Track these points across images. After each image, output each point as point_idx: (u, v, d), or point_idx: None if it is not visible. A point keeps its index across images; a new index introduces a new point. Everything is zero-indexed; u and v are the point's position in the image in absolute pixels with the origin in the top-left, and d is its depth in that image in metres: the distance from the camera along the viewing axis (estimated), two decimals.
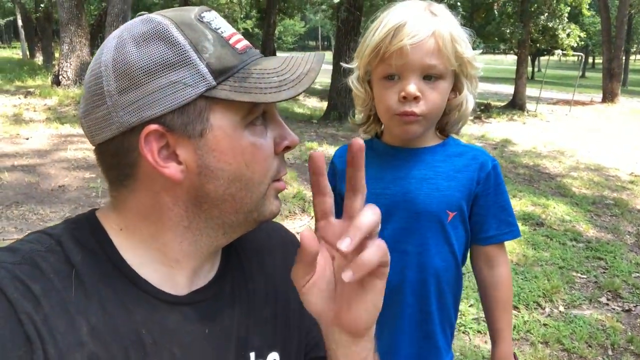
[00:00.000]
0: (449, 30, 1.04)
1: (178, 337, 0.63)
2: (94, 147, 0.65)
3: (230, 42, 0.62)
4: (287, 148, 0.67)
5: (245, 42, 0.64)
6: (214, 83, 0.58)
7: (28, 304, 0.54)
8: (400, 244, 1.15)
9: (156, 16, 0.61)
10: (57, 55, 11.90)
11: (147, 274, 0.64)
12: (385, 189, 1.16)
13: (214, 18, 0.63)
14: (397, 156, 1.17)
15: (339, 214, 1.34)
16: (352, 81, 1.20)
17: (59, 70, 10.15)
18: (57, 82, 10.07)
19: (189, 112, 0.58)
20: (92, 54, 10.65)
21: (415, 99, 1.05)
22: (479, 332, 2.96)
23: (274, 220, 0.76)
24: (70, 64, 9.98)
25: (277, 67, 0.62)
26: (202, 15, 0.62)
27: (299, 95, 0.62)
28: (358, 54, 1.14)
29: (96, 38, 14.39)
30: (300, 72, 0.62)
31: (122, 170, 0.62)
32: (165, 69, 0.57)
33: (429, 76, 1.05)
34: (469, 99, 1.13)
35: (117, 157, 0.61)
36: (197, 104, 0.58)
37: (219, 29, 0.62)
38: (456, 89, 1.12)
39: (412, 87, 1.04)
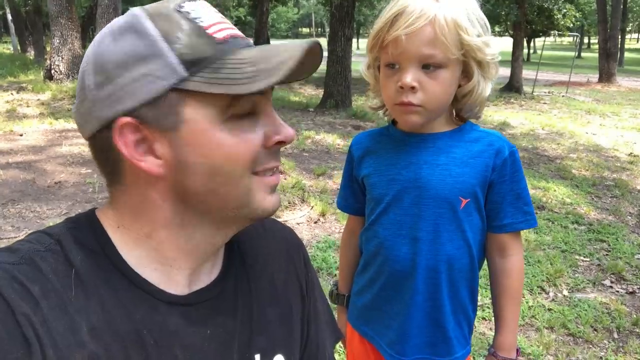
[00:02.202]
0: (452, 16, 1.00)
1: (179, 338, 0.63)
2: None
3: (209, 31, 0.58)
4: (281, 143, 0.63)
5: (229, 32, 0.60)
6: (185, 75, 0.56)
7: (26, 305, 0.53)
8: (411, 230, 1.14)
9: (135, 9, 0.60)
10: (48, 49, 11.75)
11: (147, 274, 0.63)
12: (398, 174, 1.15)
13: (194, 8, 0.60)
14: (410, 142, 1.15)
15: (356, 201, 1.33)
16: (362, 67, 1.20)
17: (50, 65, 10.04)
18: (49, 76, 9.96)
19: (160, 104, 0.57)
20: (83, 46, 10.53)
21: (412, 89, 1.03)
22: (483, 318, 2.95)
23: (278, 219, 0.73)
24: (62, 58, 9.87)
25: (254, 56, 0.58)
26: (182, 5, 0.59)
27: (273, 85, 0.56)
28: (368, 41, 1.13)
29: (87, 30, 14.22)
30: (278, 61, 0.56)
31: (110, 165, 0.62)
32: (136, 61, 0.56)
33: (428, 65, 1.02)
34: (481, 85, 1.09)
35: (103, 153, 0.61)
36: (168, 96, 0.56)
37: (197, 18, 0.58)
38: (467, 75, 1.08)
39: (408, 78, 1.02)
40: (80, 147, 5.96)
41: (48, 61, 10.31)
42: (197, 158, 0.59)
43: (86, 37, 11.73)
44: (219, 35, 0.58)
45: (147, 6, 0.60)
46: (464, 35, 1.01)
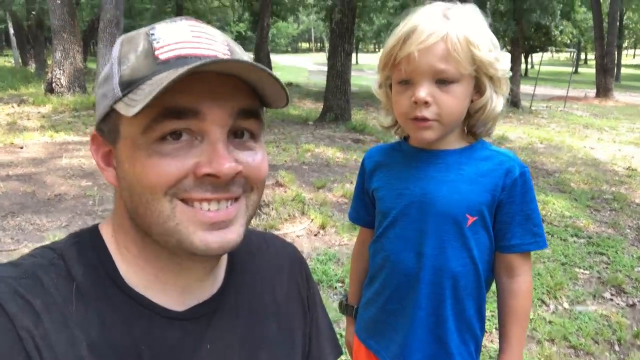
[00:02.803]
0: (464, 33, 1.02)
1: (178, 353, 0.63)
2: None
3: (157, 52, 0.57)
4: (212, 176, 0.57)
5: (182, 52, 0.57)
6: (120, 95, 0.58)
7: (28, 319, 0.54)
8: (417, 244, 1.14)
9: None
10: (49, 62, 11.82)
11: (144, 289, 0.63)
12: (406, 189, 1.15)
13: (164, 28, 0.60)
14: (421, 157, 1.16)
15: (367, 213, 1.33)
16: (374, 86, 1.21)
17: (52, 78, 10.10)
18: (50, 89, 10.01)
19: (108, 121, 0.61)
20: (85, 60, 10.60)
21: (426, 103, 1.04)
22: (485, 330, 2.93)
23: (278, 232, 0.74)
24: (64, 71, 9.94)
25: (160, 78, 0.55)
26: (154, 27, 0.61)
27: (138, 110, 0.52)
28: (379, 60, 1.14)
29: (88, 44, 14.32)
30: (160, 84, 0.52)
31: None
32: (104, 80, 0.62)
33: (442, 80, 1.04)
34: (494, 100, 1.10)
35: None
36: (111, 114, 0.60)
37: (157, 39, 0.59)
38: (479, 90, 1.10)
39: (422, 93, 1.03)
40: (81, 159, 5.98)
41: (49, 74, 10.37)
42: (122, 173, 0.61)
43: (87, 51, 11.81)
44: (163, 56, 0.57)
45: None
46: (476, 51, 1.03)
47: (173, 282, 0.65)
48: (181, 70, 0.52)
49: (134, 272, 0.63)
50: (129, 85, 0.57)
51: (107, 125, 0.61)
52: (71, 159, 6.01)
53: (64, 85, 9.94)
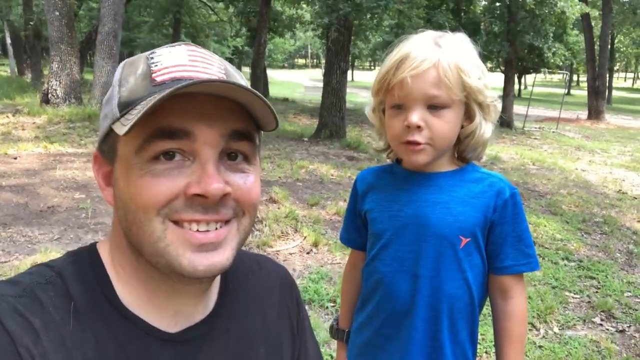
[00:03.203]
0: (454, 61, 1.06)
1: None
2: None
3: (155, 74, 0.60)
4: (201, 196, 0.58)
5: (178, 74, 0.59)
6: (118, 115, 0.61)
7: (27, 338, 0.54)
8: (412, 266, 1.15)
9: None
10: (46, 72, 11.83)
11: (139, 310, 0.64)
12: (399, 210, 1.17)
13: (164, 53, 0.62)
14: (413, 180, 1.18)
15: (359, 235, 1.34)
16: (367, 110, 1.24)
17: (48, 89, 10.09)
18: (46, 100, 10.00)
19: (108, 141, 0.64)
20: (81, 71, 10.61)
21: (418, 128, 1.07)
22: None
23: (270, 249, 0.75)
24: (60, 82, 9.93)
25: (151, 96, 0.58)
26: (155, 52, 0.64)
27: (130, 129, 0.55)
28: (372, 86, 1.18)
29: (85, 56, 14.35)
30: (155, 100, 0.54)
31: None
32: (106, 103, 0.65)
33: (434, 106, 1.07)
34: (483, 126, 1.13)
35: None
36: (110, 135, 0.63)
37: (156, 62, 0.61)
38: (469, 116, 1.13)
39: (414, 117, 1.06)
40: (74, 171, 5.96)
41: (45, 85, 10.36)
42: (118, 193, 0.63)
43: (84, 63, 11.83)
44: (159, 79, 0.59)
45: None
46: (466, 78, 1.06)
47: (165, 304, 0.65)
48: (167, 90, 0.54)
49: (129, 291, 0.64)
50: (126, 106, 0.60)
51: (107, 145, 0.64)
52: (65, 170, 5.99)
53: (60, 96, 9.93)
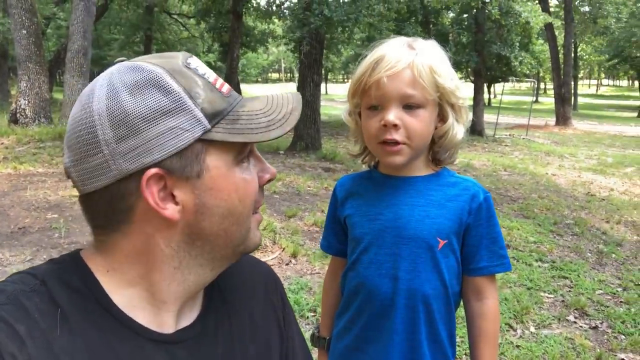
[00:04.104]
0: (428, 62, 1.10)
1: None
2: (80, 195, 0.64)
3: (217, 86, 0.66)
4: (269, 180, 0.73)
5: (227, 86, 0.69)
6: (209, 126, 0.62)
7: (13, 345, 0.54)
8: (391, 269, 1.17)
9: (146, 64, 0.62)
10: (13, 92, 11.59)
11: (134, 313, 0.64)
12: (379, 214, 1.19)
13: (198, 64, 0.67)
14: (391, 184, 1.21)
15: (339, 242, 1.35)
16: (344, 114, 1.26)
17: (16, 108, 9.89)
18: (14, 120, 9.79)
19: (187, 155, 0.62)
20: (51, 90, 10.44)
21: (395, 126, 1.10)
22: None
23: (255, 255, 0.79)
24: (29, 102, 9.75)
25: (263, 108, 0.69)
26: (188, 62, 0.65)
27: (286, 133, 0.68)
28: (348, 89, 1.20)
29: (54, 75, 14.13)
30: (285, 112, 0.70)
31: (116, 215, 0.63)
32: (162, 115, 0.60)
33: (409, 105, 1.10)
34: (455, 128, 1.17)
35: (112, 203, 0.62)
36: (194, 147, 0.62)
37: (204, 74, 0.66)
38: (442, 118, 1.17)
39: (391, 116, 1.09)
40: (46, 191, 5.83)
41: (14, 105, 10.15)
42: (216, 201, 0.65)
43: (53, 82, 11.64)
44: (224, 90, 0.67)
45: (155, 61, 0.63)
46: (439, 79, 1.10)
47: (172, 307, 0.68)
48: (298, 102, 0.74)
49: (121, 294, 0.64)
50: (214, 117, 0.63)
51: (180, 160, 0.61)
52: (36, 190, 5.86)
53: (29, 115, 9.74)
